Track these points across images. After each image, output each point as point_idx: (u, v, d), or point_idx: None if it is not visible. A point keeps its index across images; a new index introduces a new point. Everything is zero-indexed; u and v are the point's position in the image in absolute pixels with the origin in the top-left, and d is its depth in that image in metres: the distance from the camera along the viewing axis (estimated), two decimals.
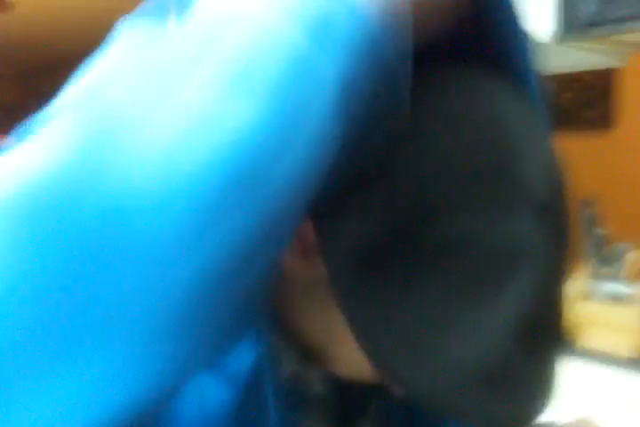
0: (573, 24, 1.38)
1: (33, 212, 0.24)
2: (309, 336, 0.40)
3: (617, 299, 1.41)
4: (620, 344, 1.35)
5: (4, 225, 0.23)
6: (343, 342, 0.36)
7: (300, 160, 0.27)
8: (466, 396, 0.34)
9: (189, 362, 0.27)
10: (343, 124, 0.29)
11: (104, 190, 0.24)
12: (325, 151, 0.29)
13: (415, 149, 0.35)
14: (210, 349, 0.29)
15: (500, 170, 0.35)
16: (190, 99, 0.26)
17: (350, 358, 0.38)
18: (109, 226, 0.24)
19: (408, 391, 0.35)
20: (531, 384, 0.36)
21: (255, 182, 0.26)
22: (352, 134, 0.30)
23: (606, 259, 1.44)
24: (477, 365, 0.33)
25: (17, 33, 4.67)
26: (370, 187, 0.34)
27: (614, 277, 1.43)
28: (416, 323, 0.33)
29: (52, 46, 5.22)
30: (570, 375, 0.42)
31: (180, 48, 0.29)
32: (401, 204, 0.34)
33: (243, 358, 0.37)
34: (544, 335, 0.37)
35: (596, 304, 1.41)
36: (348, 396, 0.46)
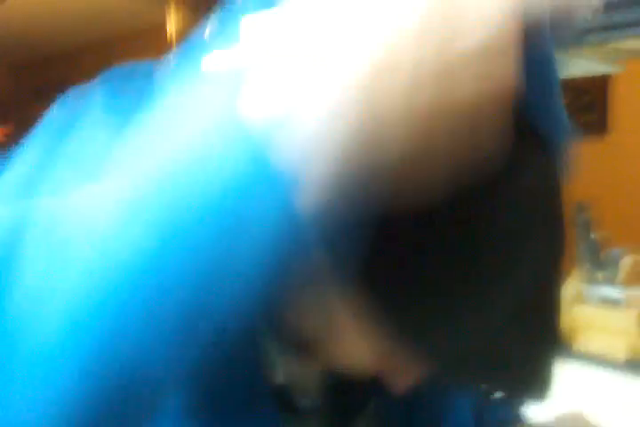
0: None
1: None
2: (306, 332, 0.40)
3: (612, 303, 1.41)
4: (616, 347, 1.35)
5: None
6: (345, 331, 0.36)
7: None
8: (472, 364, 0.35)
9: None
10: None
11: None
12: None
13: None
14: None
15: None
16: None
17: (351, 348, 0.37)
18: None
19: (428, 356, 0.35)
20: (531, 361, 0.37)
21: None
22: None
23: (601, 263, 1.44)
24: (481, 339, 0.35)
25: (10, 25, 4.67)
26: None
27: (609, 282, 1.43)
28: (430, 300, 0.33)
29: (46, 39, 5.21)
30: (566, 378, 0.42)
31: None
32: None
33: None
34: (542, 323, 0.37)
35: (591, 308, 1.41)
36: (347, 394, 0.46)
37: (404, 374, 0.38)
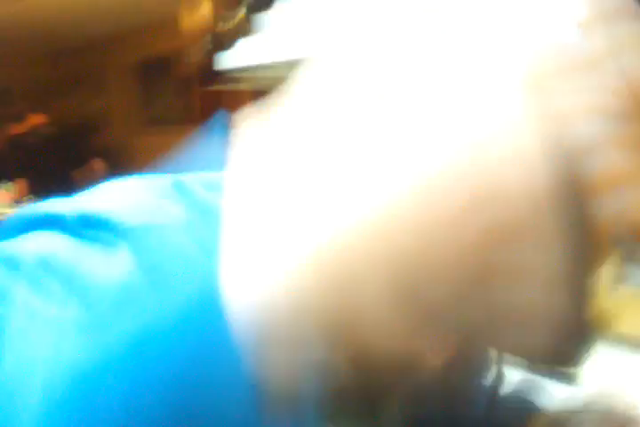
0: None
1: None
2: None
3: None
4: None
5: None
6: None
7: None
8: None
9: None
10: None
11: None
12: None
13: None
14: None
15: None
16: None
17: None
18: None
19: None
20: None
21: None
22: None
23: None
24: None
25: (41, 15, 4.71)
26: None
27: None
28: None
29: (80, 29, 5.26)
30: (603, 361, 0.41)
31: None
32: None
33: None
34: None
35: (630, 289, 1.39)
36: (375, 385, 0.45)
37: (438, 349, 0.37)
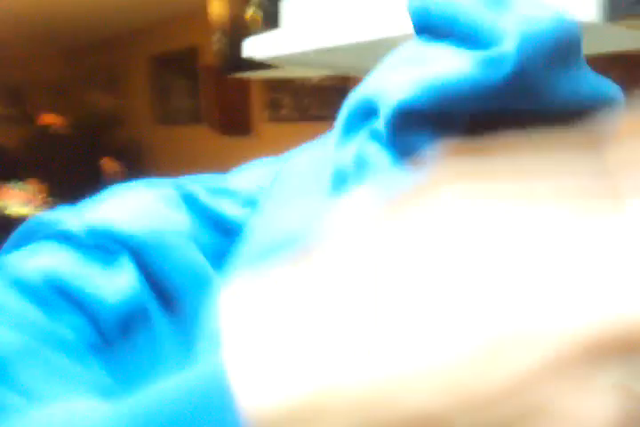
0: (621, 2, 1.32)
1: None
2: None
3: None
4: None
5: None
6: None
7: None
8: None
9: None
10: None
11: None
12: None
13: None
14: None
15: None
16: None
17: None
18: None
19: None
20: None
21: None
22: None
23: None
24: None
25: (59, 13, 4.74)
26: None
27: None
28: None
29: (94, 26, 5.29)
30: None
31: None
32: None
33: None
34: None
35: None
36: None
37: None
